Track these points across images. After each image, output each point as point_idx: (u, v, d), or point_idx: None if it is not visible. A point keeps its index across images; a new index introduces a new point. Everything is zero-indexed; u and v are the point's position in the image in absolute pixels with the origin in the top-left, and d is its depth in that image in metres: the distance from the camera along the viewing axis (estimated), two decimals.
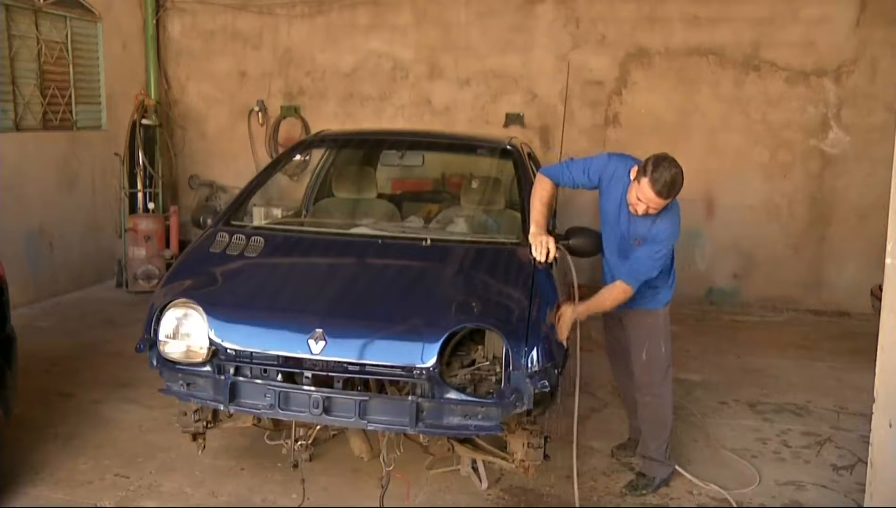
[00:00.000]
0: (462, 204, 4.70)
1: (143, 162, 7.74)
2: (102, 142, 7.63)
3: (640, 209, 3.37)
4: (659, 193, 3.27)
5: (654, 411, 3.76)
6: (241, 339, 3.20)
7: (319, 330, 3.12)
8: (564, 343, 3.32)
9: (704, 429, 4.52)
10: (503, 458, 3.47)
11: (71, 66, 7.20)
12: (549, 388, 3.07)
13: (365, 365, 3.11)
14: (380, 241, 3.90)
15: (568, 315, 3.39)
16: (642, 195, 3.31)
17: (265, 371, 3.18)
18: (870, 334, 3.35)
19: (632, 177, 3.39)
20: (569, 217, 4.99)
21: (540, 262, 3.43)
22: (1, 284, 3.54)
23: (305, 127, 8.14)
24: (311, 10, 8.06)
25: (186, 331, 3.28)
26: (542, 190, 3.63)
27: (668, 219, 3.46)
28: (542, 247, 3.41)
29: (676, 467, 3.90)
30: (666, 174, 3.25)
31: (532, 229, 3.52)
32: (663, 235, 3.46)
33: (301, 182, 6.61)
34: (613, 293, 3.51)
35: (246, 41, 8.25)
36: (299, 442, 3.50)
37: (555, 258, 3.47)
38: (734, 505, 3.67)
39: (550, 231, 3.65)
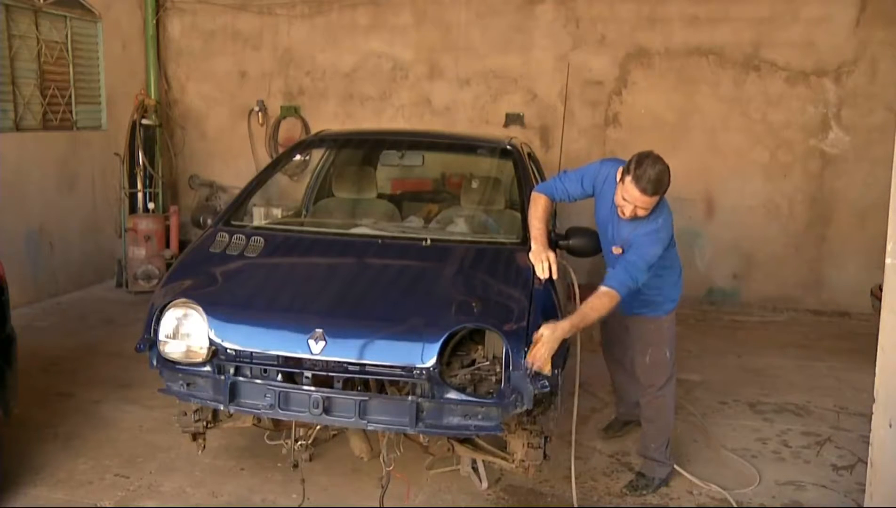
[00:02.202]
0: (462, 204, 4.70)
1: (143, 162, 7.73)
2: (102, 142, 7.63)
3: (628, 210, 3.27)
4: (643, 190, 3.18)
5: (657, 412, 3.76)
6: (241, 339, 3.20)
7: (319, 330, 3.12)
8: (548, 371, 3.03)
9: (704, 429, 4.52)
10: (503, 458, 3.46)
11: (71, 66, 7.20)
12: (549, 388, 3.06)
13: (365, 365, 3.10)
14: (380, 241, 3.91)
15: (547, 337, 3.03)
16: (627, 194, 3.23)
17: (265, 371, 3.17)
18: (870, 334, 3.35)
19: (618, 178, 3.33)
20: (569, 217, 4.99)
21: (543, 280, 3.39)
22: (1, 284, 3.54)
23: (305, 127, 8.14)
24: (311, 10, 8.06)
25: (186, 331, 3.28)
26: (538, 207, 3.58)
27: (653, 223, 3.35)
28: (544, 264, 3.37)
29: (676, 467, 3.90)
30: (650, 171, 3.17)
31: (533, 247, 3.47)
32: (648, 239, 3.33)
33: (301, 182, 6.61)
34: (599, 302, 3.27)
35: (246, 41, 8.25)
36: (299, 442, 3.50)
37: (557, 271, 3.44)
38: (734, 505, 3.67)
39: (550, 235, 3.64)
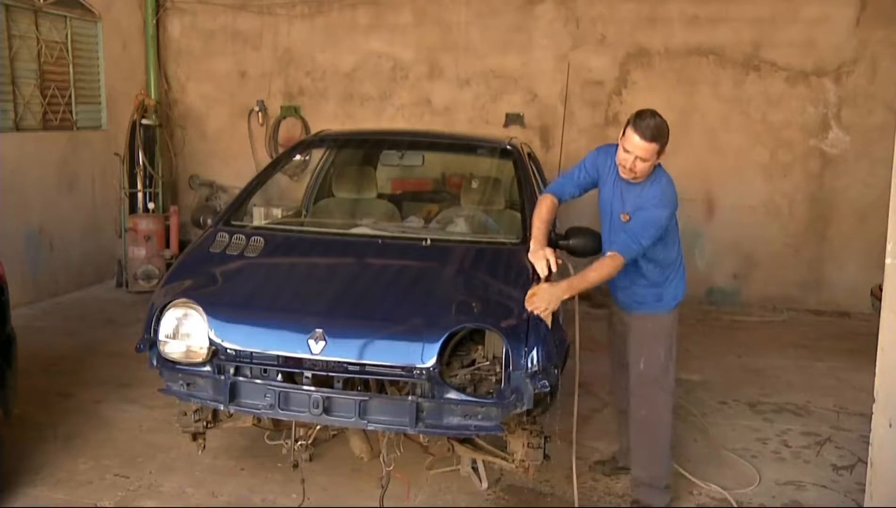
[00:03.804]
0: (462, 204, 4.70)
1: (143, 162, 7.74)
2: (102, 142, 7.63)
3: (628, 163, 3.29)
4: (643, 136, 3.22)
5: (647, 423, 3.55)
6: (241, 339, 3.20)
7: (319, 330, 3.12)
8: (549, 322, 3.18)
9: (704, 429, 4.52)
10: (503, 458, 3.46)
11: (71, 66, 7.20)
12: (549, 388, 3.06)
13: (365, 365, 3.10)
14: (380, 241, 3.91)
15: (544, 291, 3.18)
16: (628, 143, 3.27)
17: (265, 371, 3.18)
18: (870, 334, 3.35)
19: (620, 136, 3.36)
20: (569, 217, 4.98)
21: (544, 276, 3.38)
22: (1, 284, 3.54)
23: (305, 127, 8.14)
24: (311, 10, 8.06)
25: (186, 331, 3.28)
26: (542, 208, 3.57)
27: (658, 186, 3.38)
28: (542, 262, 3.36)
29: (676, 466, 3.89)
30: (650, 120, 3.25)
31: (532, 246, 3.46)
32: (654, 201, 3.35)
33: (301, 182, 6.61)
34: (601, 264, 3.31)
35: (246, 41, 8.25)
36: (299, 442, 3.50)
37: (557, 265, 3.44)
38: (734, 505, 3.67)
39: (551, 235, 3.63)
